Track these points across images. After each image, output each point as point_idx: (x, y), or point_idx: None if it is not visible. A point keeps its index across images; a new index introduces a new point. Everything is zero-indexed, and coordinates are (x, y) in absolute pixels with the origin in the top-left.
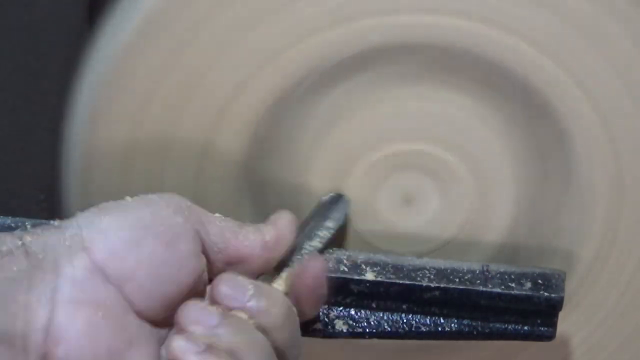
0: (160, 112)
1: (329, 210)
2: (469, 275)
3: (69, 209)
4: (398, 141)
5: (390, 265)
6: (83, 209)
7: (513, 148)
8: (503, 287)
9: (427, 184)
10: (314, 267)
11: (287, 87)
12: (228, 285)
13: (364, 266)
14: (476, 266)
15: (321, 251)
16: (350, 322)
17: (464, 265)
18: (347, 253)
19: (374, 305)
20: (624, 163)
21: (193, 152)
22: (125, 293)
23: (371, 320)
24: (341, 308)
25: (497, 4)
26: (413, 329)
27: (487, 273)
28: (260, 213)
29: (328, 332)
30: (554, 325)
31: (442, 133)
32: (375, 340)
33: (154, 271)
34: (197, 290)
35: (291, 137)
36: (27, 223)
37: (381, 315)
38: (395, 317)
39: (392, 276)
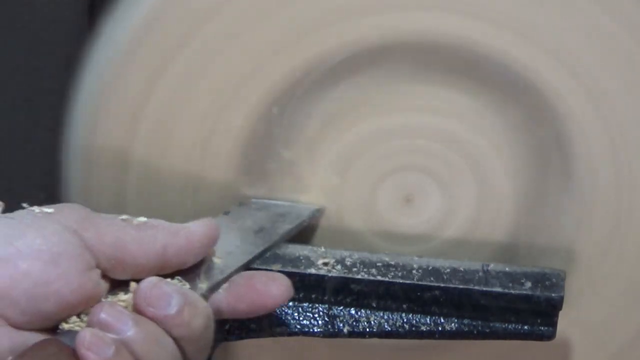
0: (160, 110)
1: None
2: (469, 275)
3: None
4: (398, 141)
5: (390, 265)
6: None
7: (513, 148)
8: (503, 286)
9: (427, 184)
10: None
11: (286, 86)
12: (152, 292)
13: (364, 266)
14: (476, 266)
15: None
16: (351, 321)
17: (464, 265)
18: (347, 253)
19: (374, 304)
20: (624, 163)
21: (191, 151)
22: None
23: (371, 319)
24: (341, 308)
25: (497, 4)
26: (413, 329)
27: (487, 273)
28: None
29: (328, 332)
30: (554, 325)
31: (442, 132)
32: (375, 340)
33: (30, 290)
34: (90, 302)
35: (290, 137)
36: None
37: (381, 314)
38: (396, 316)
39: (392, 276)
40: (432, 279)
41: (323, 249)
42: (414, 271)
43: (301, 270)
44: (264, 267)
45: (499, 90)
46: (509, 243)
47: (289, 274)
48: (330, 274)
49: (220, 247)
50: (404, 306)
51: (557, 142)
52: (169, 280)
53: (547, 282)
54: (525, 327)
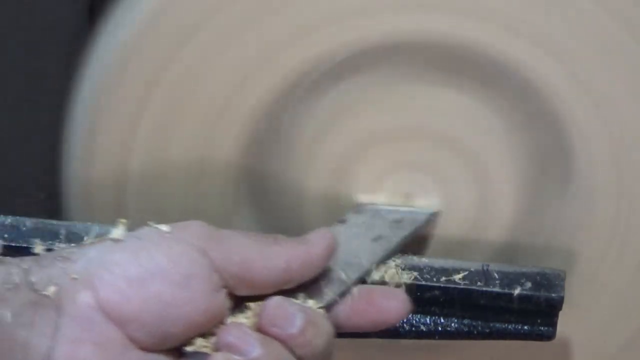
0: (160, 111)
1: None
2: (469, 275)
3: (69, 209)
4: (398, 141)
5: (390, 265)
6: (83, 209)
7: (513, 148)
8: (503, 286)
9: (427, 183)
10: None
11: (286, 87)
12: (276, 312)
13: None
14: (476, 266)
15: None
16: None
17: (464, 265)
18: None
19: None
20: (624, 163)
21: (193, 152)
22: (127, 332)
23: None
24: None
25: (497, 4)
26: (413, 329)
27: (487, 273)
28: (261, 216)
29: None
30: (554, 325)
31: (442, 132)
32: (375, 340)
33: (160, 313)
34: (215, 322)
35: (291, 137)
36: (26, 222)
37: None
38: None
39: (392, 276)
40: (432, 279)
41: None
42: (414, 271)
43: None
44: None
45: (499, 90)
46: (509, 243)
47: None
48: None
49: (338, 257)
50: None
51: (557, 142)
52: (292, 299)
53: (547, 282)
54: (525, 327)
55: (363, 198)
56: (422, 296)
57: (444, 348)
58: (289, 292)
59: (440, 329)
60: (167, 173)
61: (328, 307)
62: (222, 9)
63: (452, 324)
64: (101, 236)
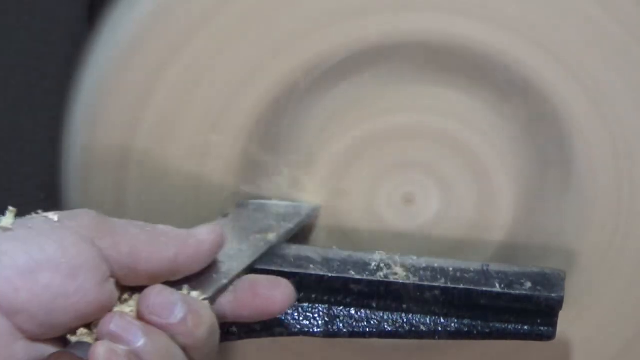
0: (160, 111)
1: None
2: (469, 275)
3: (68, 209)
4: (398, 141)
5: (390, 265)
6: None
7: (513, 148)
8: (503, 287)
9: (427, 184)
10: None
11: (286, 87)
12: (156, 301)
13: (364, 266)
14: (476, 266)
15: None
16: (350, 321)
17: (464, 265)
18: (347, 253)
19: (374, 304)
20: (624, 163)
21: (192, 152)
22: (15, 322)
23: (371, 320)
24: (341, 308)
25: (497, 4)
26: (413, 329)
27: (487, 273)
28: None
29: (328, 332)
30: (554, 325)
31: (442, 132)
32: (375, 340)
33: (49, 304)
34: (103, 312)
35: (290, 137)
36: None
37: (381, 314)
38: (396, 316)
39: (392, 276)
40: (432, 279)
41: (323, 249)
42: (414, 271)
43: (301, 270)
44: (264, 267)
45: (499, 90)
46: (509, 243)
47: (289, 274)
48: (330, 274)
49: (223, 250)
50: (404, 306)
51: (557, 142)
52: (173, 289)
53: (547, 282)
54: (525, 327)
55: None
56: (422, 296)
57: (444, 348)
58: (175, 284)
59: (440, 329)
60: (167, 172)
61: (212, 299)
62: (222, 10)
63: (452, 324)
64: None
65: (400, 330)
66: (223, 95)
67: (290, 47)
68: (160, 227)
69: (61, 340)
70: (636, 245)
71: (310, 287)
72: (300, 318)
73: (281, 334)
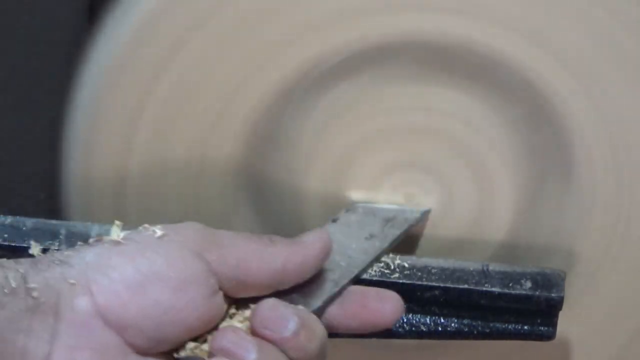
0: (160, 111)
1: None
2: (469, 275)
3: (69, 209)
4: (398, 140)
5: (390, 265)
6: (83, 208)
7: (513, 148)
8: (503, 286)
9: (427, 183)
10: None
11: (286, 87)
12: (270, 315)
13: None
14: (476, 266)
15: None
16: None
17: (464, 265)
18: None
19: None
20: (624, 163)
21: (193, 152)
22: (125, 337)
23: None
24: None
25: (497, 4)
26: (413, 329)
27: (487, 273)
28: (261, 216)
29: (328, 332)
30: (554, 325)
31: (442, 132)
32: (375, 340)
33: (158, 318)
34: (212, 325)
35: (290, 137)
36: (26, 222)
37: None
38: None
39: (392, 276)
40: (432, 278)
41: None
42: (414, 271)
43: None
44: None
45: (499, 90)
46: (509, 243)
47: None
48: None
49: (331, 257)
50: (404, 306)
51: (557, 143)
52: (285, 302)
53: (547, 282)
54: (525, 327)
55: (358, 197)
56: (422, 296)
57: (444, 348)
58: (283, 294)
59: (440, 329)
60: (167, 172)
61: (321, 309)
62: (222, 9)
63: (452, 324)
64: (100, 236)
65: (400, 330)
66: (223, 96)
67: (290, 47)
68: (267, 237)
69: (170, 354)
70: (636, 245)
71: None
72: None
73: None
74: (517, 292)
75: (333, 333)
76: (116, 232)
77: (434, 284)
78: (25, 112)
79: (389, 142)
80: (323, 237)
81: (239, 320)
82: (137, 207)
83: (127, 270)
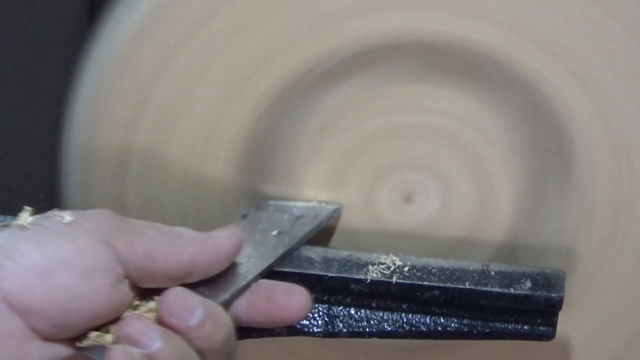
0: (160, 109)
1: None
2: (469, 275)
3: (69, 209)
4: (398, 140)
5: (390, 265)
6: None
7: (513, 148)
8: (503, 286)
9: (426, 183)
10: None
11: (286, 87)
12: (175, 304)
13: (363, 265)
14: (476, 266)
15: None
16: (350, 321)
17: (464, 265)
18: (347, 252)
19: (374, 304)
20: (624, 163)
21: (192, 150)
22: (30, 322)
23: (371, 319)
24: (341, 308)
25: (498, 4)
26: (413, 329)
27: (487, 272)
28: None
29: (328, 332)
30: (553, 324)
31: (442, 132)
32: (375, 340)
33: (64, 304)
34: (117, 313)
35: (290, 137)
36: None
37: (381, 314)
38: (396, 316)
39: (392, 276)
40: (432, 279)
41: (323, 249)
42: (414, 271)
43: (301, 270)
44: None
45: (499, 90)
46: (509, 243)
47: (289, 274)
48: (330, 274)
49: (241, 252)
50: (404, 306)
51: (558, 142)
52: (192, 292)
53: (547, 282)
54: (525, 327)
55: (271, 191)
56: (422, 296)
57: (444, 348)
58: (191, 286)
59: (440, 329)
60: (167, 171)
61: (228, 302)
62: (221, 9)
63: (452, 324)
64: (8, 222)
65: (400, 330)
66: (223, 95)
67: (290, 46)
68: (178, 229)
69: (74, 341)
70: (636, 244)
71: (310, 287)
72: None
73: (281, 334)
74: (517, 292)
75: (244, 328)
76: (24, 217)
77: (434, 284)
78: (25, 112)
79: (389, 141)
80: (235, 233)
81: (143, 312)
82: (137, 207)
83: (33, 256)
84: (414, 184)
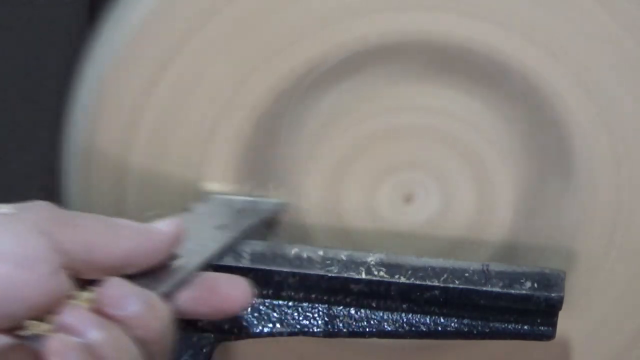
0: (160, 110)
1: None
2: (469, 275)
3: (69, 209)
4: (398, 140)
5: (390, 265)
6: (84, 209)
7: (513, 148)
8: (503, 286)
9: (426, 183)
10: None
11: (286, 87)
12: (112, 293)
13: (363, 265)
14: (476, 266)
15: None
16: (350, 321)
17: (464, 265)
18: (347, 252)
19: (374, 304)
20: (625, 164)
21: (192, 150)
22: None
23: (371, 319)
24: (341, 308)
25: (499, 4)
26: (413, 329)
27: (487, 272)
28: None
29: (328, 332)
30: (553, 324)
31: (442, 132)
32: (375, 340)
33: (1, 293)
34: (55, 304)
35: (290, 137)
36: None
37: (381, 314)
38: (395, 316)
39: (392, 275)
40: (432, 279)
41: (323, 249)
42: (414, 271)
43: (301, 270)
44: (261, 266)
45: (499, 90)
46: (509, 243)
47: (289, 274)
48: (330, 274)
49: (183, 245)
50: (404, 306)
51: (558, 143)
52: (131, 282)
53: (547, 282)
54: (525, 327)
55: (212, 187)
56: (422, 296)
57: (444, 348)
58: (132, 278)
59: (440, 329)
60: (167, 172)
61: (168, 293)
62: (221, 10)
63: (452, 324)
64: None
65: (400, 330)
66: (222, 96)
67: (290, 46)
68: (119, 220)
69: (9, 332)
70: (636, 244)
71: (310, 287)
72: (300, 318)
73: (281, 334)
74: (517, 292)
75: (188, 320)
76: None
77: (434, 284)
78: (26, 112)
79: (389, 141)
80: (177, 225)
81: (81, 301)
82: (137, 206)
83: None
84: (414, 184)
